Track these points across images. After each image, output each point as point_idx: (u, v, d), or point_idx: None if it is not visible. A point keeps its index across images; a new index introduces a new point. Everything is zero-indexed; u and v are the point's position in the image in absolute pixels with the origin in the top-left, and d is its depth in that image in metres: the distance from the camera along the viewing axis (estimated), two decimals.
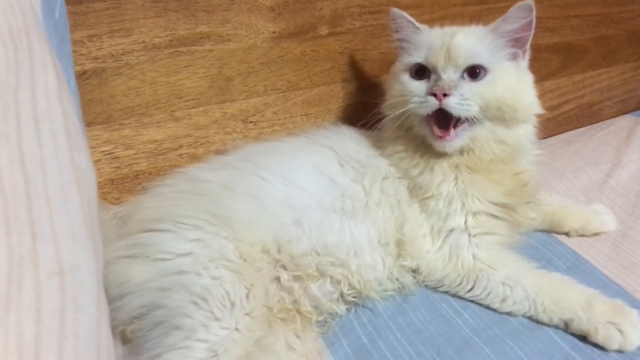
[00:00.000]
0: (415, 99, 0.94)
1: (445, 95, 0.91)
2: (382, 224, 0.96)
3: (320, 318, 0.88)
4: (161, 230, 0.85)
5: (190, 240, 0.83)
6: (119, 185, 1.03)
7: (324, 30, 1.13)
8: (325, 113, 1.18)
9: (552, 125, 1.50)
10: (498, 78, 0.93)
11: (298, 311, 0.86)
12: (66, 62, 0.74)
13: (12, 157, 0.47)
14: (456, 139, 0.94)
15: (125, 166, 1.03)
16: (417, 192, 0.99)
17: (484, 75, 0.93)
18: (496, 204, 0.98)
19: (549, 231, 1.13)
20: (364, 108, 1.18)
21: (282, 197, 0.92)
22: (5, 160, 0.46)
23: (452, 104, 0.91)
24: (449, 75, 0.93)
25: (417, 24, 1.01)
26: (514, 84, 0.95)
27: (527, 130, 1.00)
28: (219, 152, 1.07)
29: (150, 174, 1.05)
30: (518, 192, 1.00)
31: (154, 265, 0.82)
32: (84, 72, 0.95)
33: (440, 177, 0.97)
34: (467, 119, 0.93)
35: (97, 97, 0.97)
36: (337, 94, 1.19)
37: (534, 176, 1.04)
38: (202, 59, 1.03)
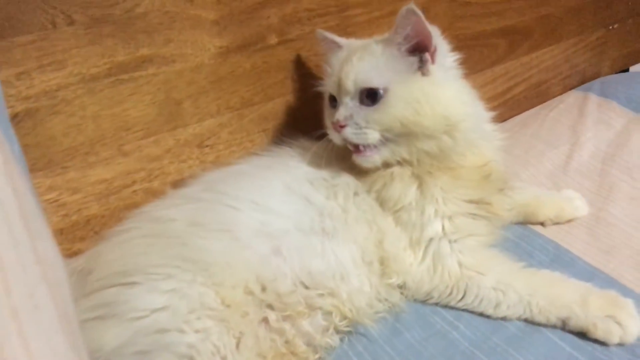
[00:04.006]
0: (328, 129, 0.95)
1: (341, 126, 0.90)
2: (363, 241, 0.90)
3: (317, 356, 0.82)
4: (130, 284, 0.76)
5: (165, 292, 0.75)
6: (70, 234, 0.93)
7: (273, 39, 1.05)
8: (283, 126, 1.12)
9: (504, 109, 1.49)
10: (397, 98, 0.88)
11: (293, 353, 0.80)
12: (2, 120, 0.63)
13: None
14: (373, 155, 0.91)
15: (74, 212, 0.93)
16: (387, 206, 0.94)
17: (380, 98, 0.89)
18: (470, 202, 0.94)
19: (524, 222, 1.12)
20: (321, 116, 1.12)
21: (257, 225, 0.85)
22: None
23: (349, 134, 0.90)
24: (346, 104, 0.91)
25: (340, 41, 0.98)
26: (418, 98, 0.88)
27: (455, 136, 0.92)
28: (176, 184, 0.99)
29: (103, 217, 0.95)
30: (487, 182, 0.97)
31: (128, 326, 0.73)
32: (16, 115, 0.84)
33: (401, 188, 0.93)
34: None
35: (34, 141, 0.86)
36: (293, 105, 1.12)
37: (500, 162, 1.01)
38: (147, 85, 0.94)
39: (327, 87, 0.96)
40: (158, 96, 0.96)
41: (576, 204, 1.11)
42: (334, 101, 0.95)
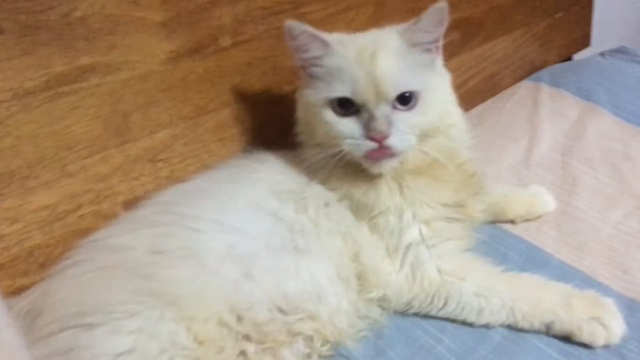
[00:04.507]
0: (349, 141, 0.84)
1: (384, 137, 0.82)
2: (338, 257, 0.85)
3: None
4: (89, 326, 0.68)
5: (130, 332, 0.67)
6: (11, 269, 0.82)
7: (226, 41, 0.97)
8: (241, 134, 1.04)
9: (460, 102, 1.46)
10: (430, 100, 0.86)
11: None
12: None
13: None
14: (395, 160, 0.86)
15: (14, 244, 0.82)
16: (363, 213, 0.89)
17: (416, 101, 0.85)
18: (447, 206, 0.91)
19: (493, 221, 1.09)
20: (280, 120, 1.06)
21: (223, 248, 0.78)
22: None
23: (394, 142, 0.83)
24: (382, 111, 0.83)
25: (324, 37, 0.86)
26: (443, 101, 0.91)
27: (452, 133, 0.94)
28: (128, 205, 0.90)
29: (48, 247, 0.85)
30: (467, 185, 0.95)
31: None
32: None
33: (385, 190, 0.89)
34: None
35: None
36: (251, 111, 1.05)
37: (476, 163, 0.99)
38: (90, 97, 0.84)
39: (337, 91, 0.84)
40: (103, 109, 0.86)
41: (544, 200, 1.10)
42: (346, 108, 0.85)
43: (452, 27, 1.35)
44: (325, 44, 0.86)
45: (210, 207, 0.83)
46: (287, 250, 0.82)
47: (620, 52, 1.67)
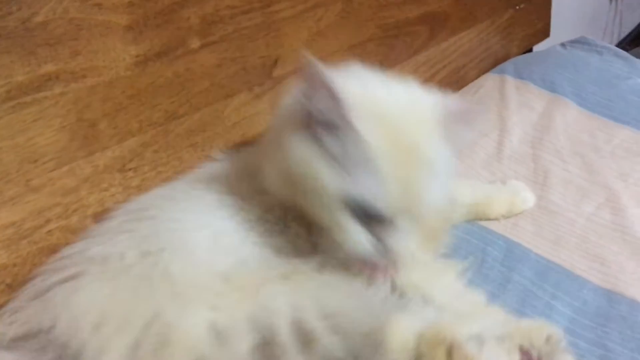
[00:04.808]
0: (359, 246, 0.70)
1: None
2: None
3: None
4: None
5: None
6: None
7: (195, 42, 0.93)
8: (213, 138, 1.00)
9: None
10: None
11: None
12: None
13: None
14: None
15: None
16: None
17: None
18: None
19: (474, 220, 1.09)
20: (252, 122, 1.03)
21: (210, 241, 0.76)
22: None
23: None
24: (405, 228, 0.70)
25: (347, 107, 0.65)
26: None
27: None
28: (98, 217, 0.86)
29: (15, 266, 0.80)
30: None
31: None
32: None
33: None
34: None
35: None
36: (222, 114, 1.01)
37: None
38: (54, 107, 0.79)
39: (358, 191, 0.67)
40: (68, 119, 0.81)
41: (523, 196, 1.11)
42: (364, 211, 0.68)
43: (419, 21, 1.36)
44: (347, 118, 0.66)
45: (182, 208, 0.80)
46: None
47: (580, 42, 1.70)
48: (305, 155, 0.69)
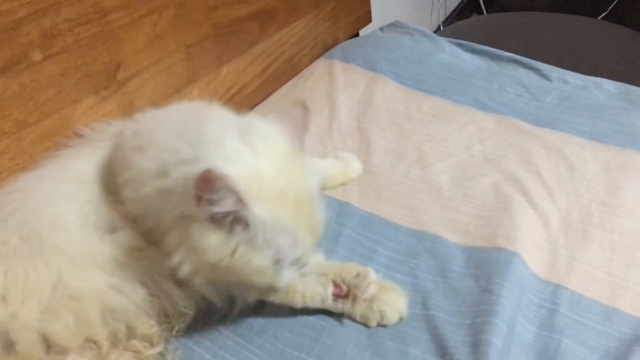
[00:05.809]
0: (287, 281, 0.86)
1: None
2: None
3: None
4: None
5: None
6: None
7: (37, 55, 1.01)
8: (67, 138, 1.09)
9: (267, 85, 1.62)
10: None
11: None
12: None
13: None
14: None
15: None
16: None
17: None
18: None
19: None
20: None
21: (82, 218, 0.89)
22: None
23: None
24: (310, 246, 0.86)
25: (244, 197, 0.73)
26: None
27: None
28: None
29: None
30: None
31: None
32: None
33: None
34: None
35: None
36: (72, 117, 1.10)
37: None
38: None
39: (284, 254, 0.79)
40: None
41: (354, 166, 1.30)
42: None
43: (250, 18, 1.51)
44: (242, 205, 0.73)
45: (43, 198, 0.90)
46: None
47: (395, 26, 1.94)
48: (224, 248, 0.76)
